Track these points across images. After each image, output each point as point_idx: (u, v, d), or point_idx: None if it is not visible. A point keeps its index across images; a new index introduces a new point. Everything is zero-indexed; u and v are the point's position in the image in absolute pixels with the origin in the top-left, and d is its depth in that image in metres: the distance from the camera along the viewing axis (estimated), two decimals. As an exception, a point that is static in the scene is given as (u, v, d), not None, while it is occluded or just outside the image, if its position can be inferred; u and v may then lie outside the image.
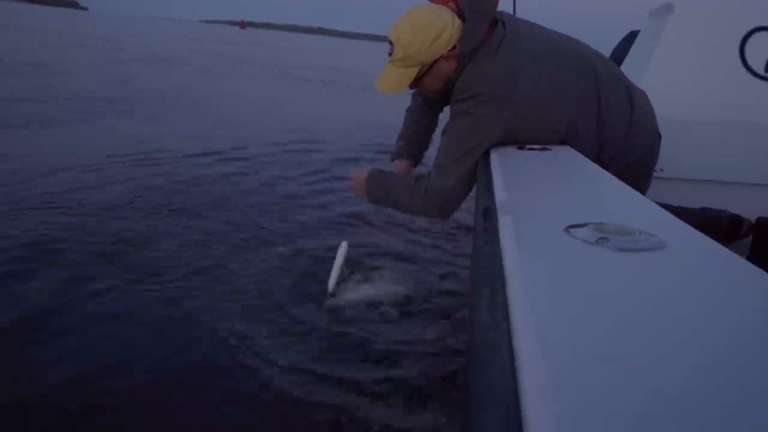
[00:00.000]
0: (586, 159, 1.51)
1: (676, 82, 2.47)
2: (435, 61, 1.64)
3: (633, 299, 0.59)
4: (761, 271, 0.65)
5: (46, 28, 26.09)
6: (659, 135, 1.87)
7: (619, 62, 2.85)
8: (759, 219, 2.19)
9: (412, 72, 1.65)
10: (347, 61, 23.91)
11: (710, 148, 2.48)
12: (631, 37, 3.08)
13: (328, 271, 2.38)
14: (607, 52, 3.21)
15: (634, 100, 1.75)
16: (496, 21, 1.67)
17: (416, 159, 2.15)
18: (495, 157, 1.48)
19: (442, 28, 1.58)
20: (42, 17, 40.53)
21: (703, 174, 2.50)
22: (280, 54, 26.47)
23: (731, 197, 2.36)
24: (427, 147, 2.19)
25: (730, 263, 0.69)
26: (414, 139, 2.13)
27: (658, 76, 2.48)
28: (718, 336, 0.52)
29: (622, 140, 1.72)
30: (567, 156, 1.56)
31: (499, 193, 1.07)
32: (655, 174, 1.97)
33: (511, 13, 1.82)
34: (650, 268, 0.67)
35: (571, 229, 0.80)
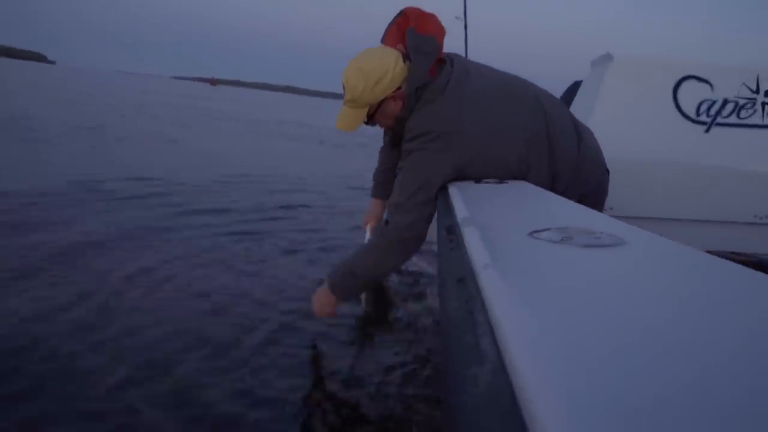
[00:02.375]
0: (543, 189, 1.55)
1: (619, 126, 2.61)
2: (382, 101, 1.70)
3: (603, 287, 0.59)
4: (720, 259, 0.67)
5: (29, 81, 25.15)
6: (607, 171, 1.95)
7: None
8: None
9: (363, 111, 1.73)
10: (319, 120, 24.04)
11: (653, 187, 2.61)
12: (575, 86, 3.27)
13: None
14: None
15: (581, 135, 1.83)
16: (444, 61, 1.73)
17: (388, 196, 2.20)
18: (453, 189, 1.50)
19: (384, 72, 1.65)
20: (13, 71, 38.91)
21: (650, 212, 2.61)
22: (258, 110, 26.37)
23: (677, 234, 2.46)
24: None
25: (690, 254, 0.71)
26: (385, 177, 2.26)
27: (602, 121, 2.62)
28: (688, 320, 0.52)
29: (573, 173, 1.78)
30: (523, 187, 1.60)
31: (461, 213, 1.08)
32: (604, 212, 2.04)
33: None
34: (615, 260, 0.68)
35: (535, 234, 0.81)
